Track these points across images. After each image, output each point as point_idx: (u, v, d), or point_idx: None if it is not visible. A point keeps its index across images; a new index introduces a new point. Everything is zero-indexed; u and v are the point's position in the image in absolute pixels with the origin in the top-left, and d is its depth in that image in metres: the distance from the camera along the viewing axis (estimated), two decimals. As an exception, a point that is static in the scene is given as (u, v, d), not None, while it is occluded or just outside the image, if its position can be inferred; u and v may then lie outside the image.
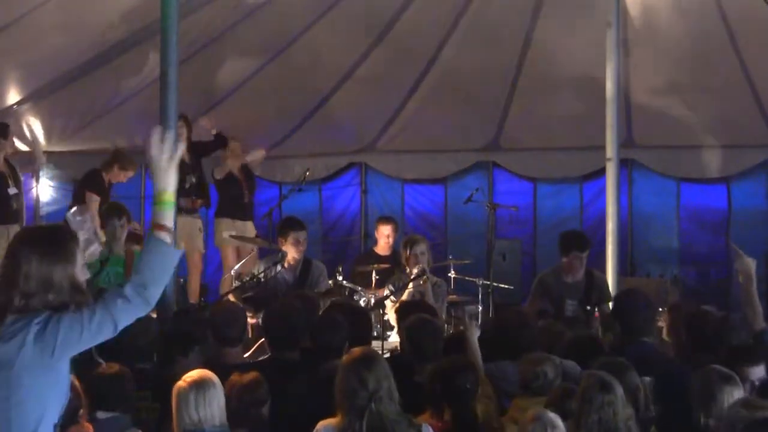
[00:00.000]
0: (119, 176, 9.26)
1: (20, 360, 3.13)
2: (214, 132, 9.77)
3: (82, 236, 3.30)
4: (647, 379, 4.76)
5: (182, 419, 4.09)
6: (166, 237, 3.31)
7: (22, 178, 9.29)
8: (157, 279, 3.25)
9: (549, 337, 5.64)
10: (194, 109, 9.95)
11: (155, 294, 3.25)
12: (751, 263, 5.90)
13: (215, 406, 4.10)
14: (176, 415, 4.13)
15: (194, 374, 4.21)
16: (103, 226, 7.47)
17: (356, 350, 4.21)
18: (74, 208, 4.03)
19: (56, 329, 3.16)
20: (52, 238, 3.37)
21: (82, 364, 4.33)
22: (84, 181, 9.25)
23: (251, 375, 4.54)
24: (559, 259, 7.63)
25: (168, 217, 3.35)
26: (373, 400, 3.90)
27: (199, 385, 4.12)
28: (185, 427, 4.10)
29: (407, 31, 9.88)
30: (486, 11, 9.77)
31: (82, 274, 3.35)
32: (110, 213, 7.32)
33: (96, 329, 3.18)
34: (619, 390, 4.08)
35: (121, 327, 3.24)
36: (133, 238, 8.03)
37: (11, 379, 3.14)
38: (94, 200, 8.96)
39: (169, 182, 3.38)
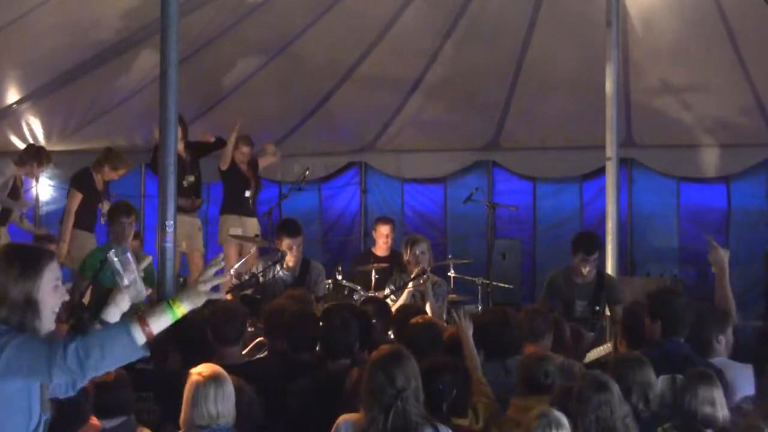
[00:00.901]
0: (111, 175, 9.26)
1: None
2: (212, 139, 9.76)
3: (126, 279, 3.25)
4: (680, 377, 4.74)
5: (198, 413, 4.02)
6: (142, 337, 3.14)
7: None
8: (103, 363, 3.10)
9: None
10: (194, 108, 9.96)
11: (93, 369, 3.09)
12: (724, 255, 5.91)
13: (231, 401, 4.08)
14: (190, 409, 4.06)
15: (206, 369, 4.15)
16: (110, 223, 7.38)
17: (385, 347, 4.18)
18: (114, 250, 4.03)
19: None
20: (18, 255, 3.33)
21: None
22: (72, 179, 9.28)
23: (234, 379, 4.50)
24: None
25: (162, 325, 3.21)
26: (400, 398, 3.87)
27: (218, 379, 4.08)
28: (199, 422, 4.03)
29: (407, 31, 9.88)
30: (485, 11, 9.76)
31: (52, 296, 3.28)
32: (118, 211, 7.27)
33: (34, 367, 3.09)
34: (615, 388, 4.08)
35: (54, 379, 3.13)
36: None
37: None
38: (76, 197, 9.00)
39: (194, 303, 3.28)
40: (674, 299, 5.56)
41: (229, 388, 4.09)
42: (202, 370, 4.17)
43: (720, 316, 5.48)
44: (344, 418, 4.02)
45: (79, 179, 9.15)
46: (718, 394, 4.35)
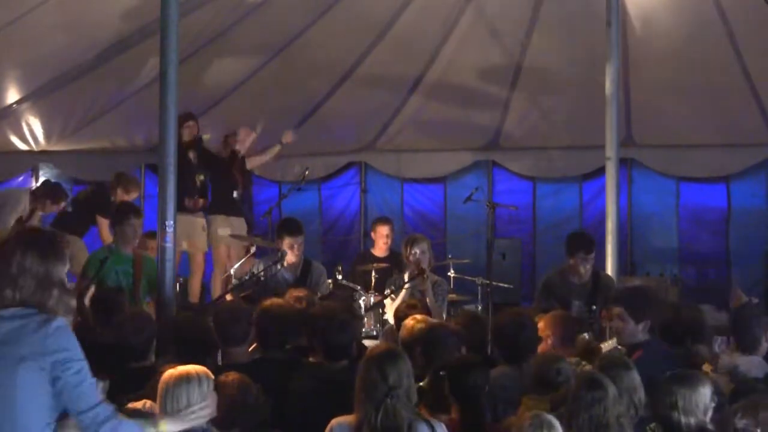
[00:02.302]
0: (124, 197, 9.31)
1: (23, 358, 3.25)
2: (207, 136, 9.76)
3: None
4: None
5: (161, 408, 4.11)
6: None
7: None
8: None
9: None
10: (194, 108, 9.94)
11: None
12: (742, 297, 6.09)
13: (183, 404, 4.10)
14: (158, 401, 4.16)
15: (180, 369, 4.18)
16: (117, 224, 7.40)
17: (381, 345, 4.20)
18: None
19: (64, 374, 3.31)
20: (50, 240, 3.50)
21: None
22: (94, 203, 9.33)
23: (237, 376, 4.51)
24: (558, 257, 7.63)
25: None
26: (390, 395, 3.90)
27: (176, 380, 4.10)
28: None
29: (407, 30, 9.88)
30: (485, 10, 9.76)
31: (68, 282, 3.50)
32: (125, 212, 7.27)
33: (65, 395, 3.32)
34: (611, 388, 4.06)
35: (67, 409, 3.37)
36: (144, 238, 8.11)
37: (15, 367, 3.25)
38: (106, 225, 8.97)
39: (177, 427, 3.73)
40: (656, 299, 5.71)
41: (183, 391, 4.08)
42: (177, 369, 4.19)
43: (762, 313, 5.55)
44: (338, 421, 4.04)
45: (103, 205, 9.20)
46: (691, 398, 4.25)
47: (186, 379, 4.09)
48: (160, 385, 4.11)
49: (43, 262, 3.39)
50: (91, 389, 3.35)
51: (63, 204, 9.01)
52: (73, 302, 3.49)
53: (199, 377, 4.13)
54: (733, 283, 6.57)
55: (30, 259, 3.38)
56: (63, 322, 3.30)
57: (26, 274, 3.35)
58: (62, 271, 3.44)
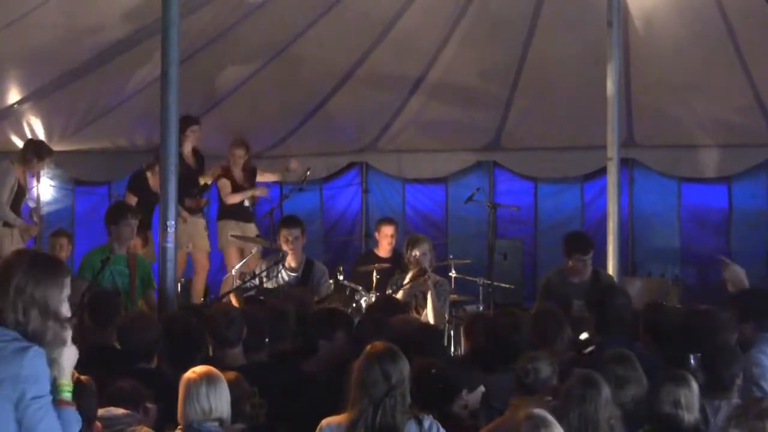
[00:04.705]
0: (154, 180, 9.31)
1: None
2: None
3: None
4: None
5: (191, 410, 4.08)
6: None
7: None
8: None
9: None
10: (196, 108, 9.95)
11: None
12: (740, 272, 5.92)
13: (224, 399, 4.12)
14: (183, 406, 4.12)
15: (202, 368, 4.23)
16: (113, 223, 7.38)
17: (380, 344, 4.18)
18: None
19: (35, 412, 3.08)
20: (49, 265, 3.33)
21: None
22: (128, 181, 9.67)
23: (230, 373, 4.52)
24: (559, 258, 7.62)
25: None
26: (391, 395, 3.88)
27: (210, 377, 4.14)
28: (193, 418, 4.09)
29: (408, 30, 9.88)
30: (487, 10, 9.76)
31: (66, 310, 3.29)
32: (122, 212, 7.28)
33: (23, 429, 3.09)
34: (604, 389, 4.03)
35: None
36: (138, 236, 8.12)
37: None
38: (129, 199, 9.21)
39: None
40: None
41: (223, 386, 4.14)
42: (196, 369, 4.23)
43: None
44: (327, 421, 4.01)
45: (134, 183, 9.51)
46: (687, 395, 4.27)
47: (210, 377, 4.10)
48: (184, 386, 4.13)
49: (40, 288, 3.19)
50: (50, 427, 3.09)
51: (47, 160, 8.95)
52: (67, 334, 3.24)
53: (221, 376, 4.15)
54: (721, 257, 6.47)
55: (30, 283, 3.18)
56: (39, 351, 3.08)
57: (28, 300, 3.16)
58: (58, 299, 3.23)
